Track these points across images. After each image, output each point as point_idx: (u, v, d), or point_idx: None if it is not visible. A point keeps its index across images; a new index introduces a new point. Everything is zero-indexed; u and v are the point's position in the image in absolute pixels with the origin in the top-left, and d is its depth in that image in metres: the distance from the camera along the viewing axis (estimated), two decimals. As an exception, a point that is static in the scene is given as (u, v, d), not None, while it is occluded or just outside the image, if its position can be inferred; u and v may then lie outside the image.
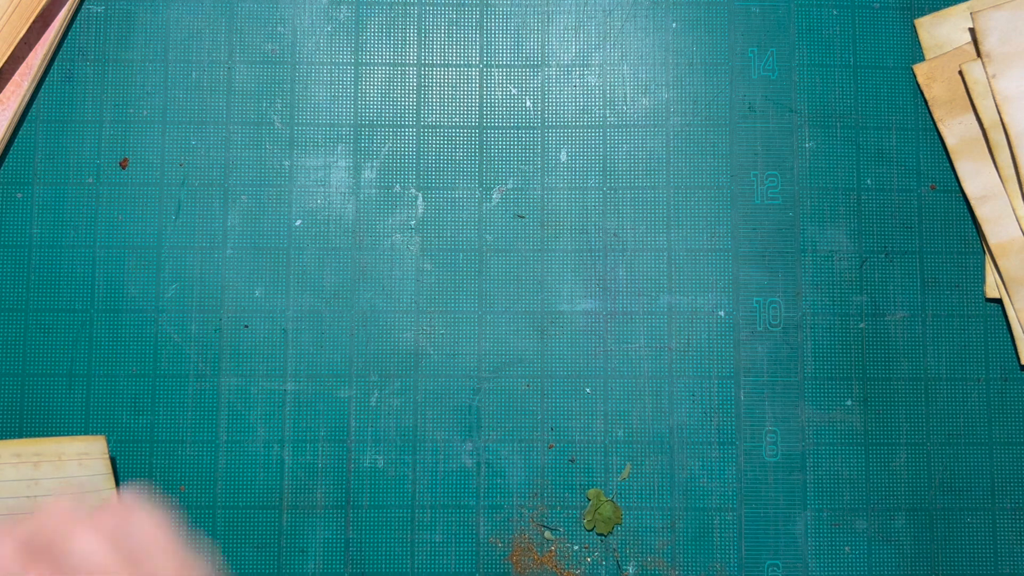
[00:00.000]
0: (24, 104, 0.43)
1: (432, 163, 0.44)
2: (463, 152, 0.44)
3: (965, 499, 0.42)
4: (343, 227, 0.43)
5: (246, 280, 0.43)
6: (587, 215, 0.43)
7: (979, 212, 0.43)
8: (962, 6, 0.44)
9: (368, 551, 0.42)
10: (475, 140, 0.44)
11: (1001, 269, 0.42)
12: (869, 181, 0.44)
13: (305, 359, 0.42)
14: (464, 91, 0.44)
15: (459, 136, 0.44)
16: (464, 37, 0.44)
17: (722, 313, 0.43)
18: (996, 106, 0.42)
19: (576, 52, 0.44)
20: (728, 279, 0.43)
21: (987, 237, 0.43)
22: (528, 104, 0.44)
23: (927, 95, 0.44)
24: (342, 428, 0.42)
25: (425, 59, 0.44)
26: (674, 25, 0.44)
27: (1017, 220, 0.42)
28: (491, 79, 0.44)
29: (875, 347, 0.43)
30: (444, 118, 0.44)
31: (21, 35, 0.42)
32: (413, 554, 0.42)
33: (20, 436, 0.42)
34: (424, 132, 0.44)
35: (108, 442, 0.41)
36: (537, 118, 0.44)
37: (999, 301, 0.43)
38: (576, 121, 0.44)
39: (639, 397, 0.42)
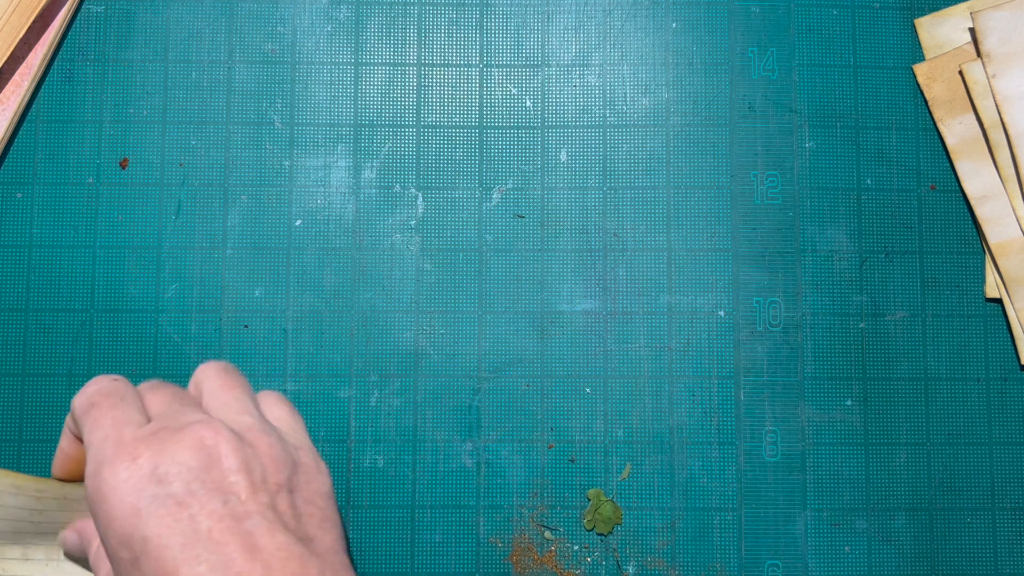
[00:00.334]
0: (24, 104, 0.43)
1: (432, 163, 0.44)
2: (463, 152, 0.44)
3: (965, 499, 0.42)
4: (343, 227, 0.43)
5: (246, 280, 0.43)
6: (587, 215, 0.43)
7: (979, 212, 0.43)
8: (962, 6, 0.44)
9: (368, 551, 0.41)
10: (475, 140, 0.44)
11: (1001, 269, 0.42)
12: (869, 181, 0.44)
13: (305, 359, 0.42)
14: (464, 91, 0.44)
15: (459, 136, 0.44)
16: (464, 37, 0.44)
17: (722, 313, 0.43)
18: (996, 106, 0.42)
19: (576, 52, 0.44)
20: (728, 279, 0.43)
21: (987, 237, 0.43)
22: (528, 104, 0.44)
23: (927, 95, 0.44)
24: (342, 428, 0.42)
25: (425, 59, 0.44)
26: (674, 25, 0.44)
27: (1017, 220, 0.42)
28: (491, 79, 0.44)
29: (875, 347, 0.43)
30: (444, 118, 0.44)
31: (21, 35, 0.42)
32: (413, 554, 0.42)
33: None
34: (424, 132, 0.44)
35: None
36: (537, 118, 0.44)
37: (999, 301, 0.43)
38: (576, 121, 0.44)
39: (639, 397, 0.42)
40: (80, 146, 0.43)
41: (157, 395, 0.28)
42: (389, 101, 0.44)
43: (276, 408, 0.30)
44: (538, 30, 0.44)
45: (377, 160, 0.44)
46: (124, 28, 0.44)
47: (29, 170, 0.43)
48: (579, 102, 0.44)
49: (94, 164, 0.43)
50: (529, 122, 0.44)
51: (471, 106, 0.44)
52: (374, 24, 0.44)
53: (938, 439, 0.43)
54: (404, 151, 0.44)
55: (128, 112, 0.43)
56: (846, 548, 0.42)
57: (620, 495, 0.42)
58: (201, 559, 0.23)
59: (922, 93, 0.44)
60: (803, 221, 0.43)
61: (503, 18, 0.44)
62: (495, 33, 0.44)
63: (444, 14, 0.44)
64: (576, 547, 0.42)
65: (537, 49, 0.44)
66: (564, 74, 0.44)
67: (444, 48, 0.44)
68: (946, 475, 0.42)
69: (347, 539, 0.30)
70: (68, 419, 0.29)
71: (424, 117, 0.44)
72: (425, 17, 0.44)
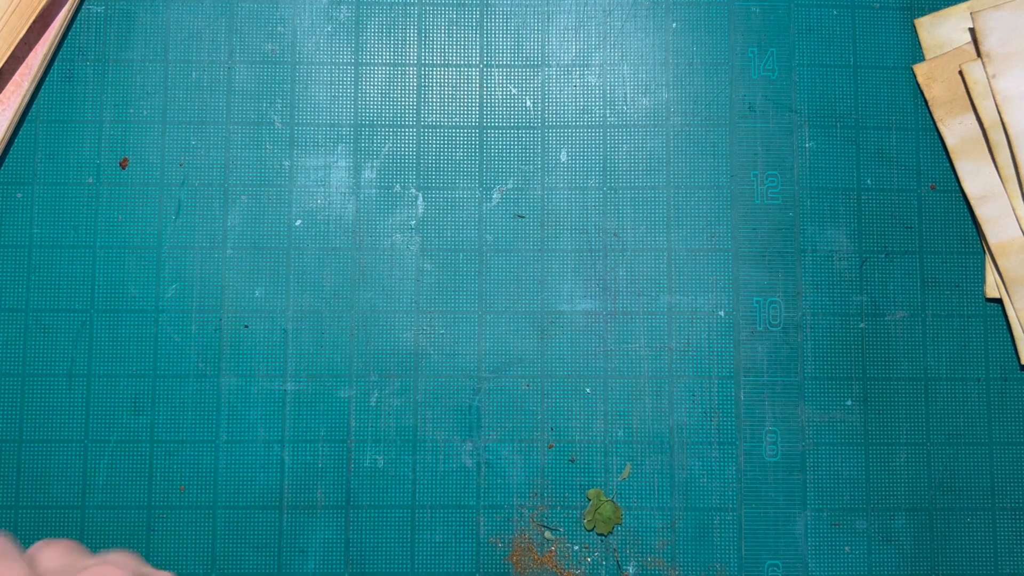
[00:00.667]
0: (24, 104, 0.43)
1: (432, 163, 0.44)
2: (463, 152, 0.44)
3: (965, 499, 0.42)
4: (343, 227, 0.43)
5: (246, 280, 0.43)
6: (587, 215, 0.43)
7: (979, 212, 0.43)
8: (962, 6, 0.44)
9: (368, 551, 0.42)
10: (475, 140, 0.44)
11: (1001, 269, 0.42)
12: (869, 181, 0.44)
13: (305, 359, 0.42)
14: (464, 91, 0.44)
15: (459, 136, 0.44)
16: (464, 37, 0.44)
17: (722, 313, 0.43)
18: (996, 106, 0.42)
19: (576, 52, 0.44)
20: (728, 279, 0.43)
21: (987, 237, 0.43)
22: (528, 104, 0.44)
23: (927, 95, 0.44)
24: (342, 428, 0.42)
25: (425, 59, 0.44)
26: (674, 25, 0.44)
27: (1017, 220, 0.42)
28: (491, 79, 0.44)
29: (875, 347, 0.43)
30: (444, 118, 0.44)
31: (21, 35, 0.42)
32: (413, 554, 0.42)
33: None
34: (424, 132, 0.44)
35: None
36: (537, 118, 0.44)
37: (999, 301, 0.43)
38: (576, 121, 0.44)
39: (639, 397, 0.42)
40: (80, 146, 0.43)
41: (49, 551, 0.29)
42: (389, 101, 0.44)
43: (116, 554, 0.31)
44: (538, 30, 0.44)
45: (377, 160, 0.44)
46: (124, 28, 0.44)
47: (29, 170, 0.43)
48: (579, 102, 0.44)
49: (94, 164, 0.43)
50: (529, 122, 0.44)
51: (471, 106, 0.44)
52: (374, 24, 0.44)
53: (938, 439, 0.43)
54: (404, 151, 0.44)
55: (128, 112, 0.43)
56: (846, 548, 0.42)
57: (620, 495, 0.42)
58: None
59: (922, 93, 0.44)
60: (803, 221, 0.43)
61: (503, 18, 0.44)
62: (495, 33, 0.44)
63: (444, 14, 0.44)
64: (576, 547, 0.42)
65: (537, 49, 0.44)
66: (564, 74, 0.44)
67: (444, 48, 0.44)
68: (946, 475, 0.42)
69: None
70: None
71: (424, 117, 0.44)
72: (425, 17, 0.44)
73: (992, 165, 0.43)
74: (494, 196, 0.44)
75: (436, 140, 0.44)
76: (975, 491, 0.42)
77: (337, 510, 0.42)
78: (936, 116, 0.44)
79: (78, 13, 0.44)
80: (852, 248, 0.43)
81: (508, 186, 0.44)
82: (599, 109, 0.44)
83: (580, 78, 0.44)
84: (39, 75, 0.43)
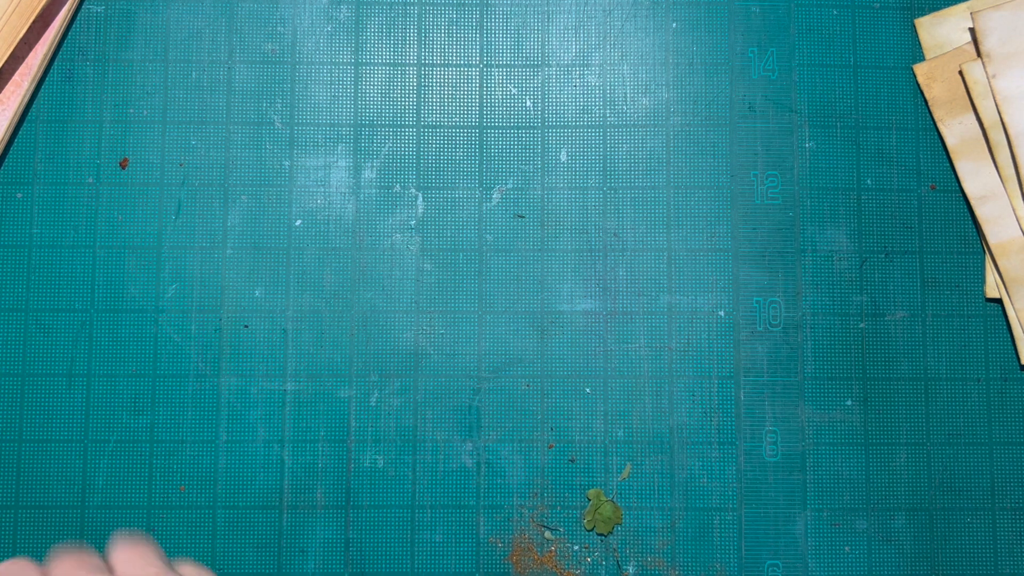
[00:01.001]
0: (24, 104, 0.43)
1: (432, 163, 0.44)
2: (463, 152, 0.44)
3: (965, 499, 0.42)
4: (343, 227, 0.43)
5: (246, 280, 0.43)
6: (587, 215, 0.43)
7: (979, 212, 0.43)
8: (962, 6, 0.44)
9: (368, 551, 0.42)
10: (475, 140, 0.44)
11: (1001, 269, 0.42)
12: (869, 181, 0.44)
13: (305, 359, 0.42)
14: (464, 91, 0.44)
15: (459, 136, 0.44)
16: (464, 37, 0.44)
17: (722, 313, 0.43)
18: (996, 106, 0.42)
19: (576, 52, 0.44)
20: (728, 279, 0.43)
21: (987, 237, 0.43)
22: (528, 104, 0.44)
23: (927, 95, 0.44)
24: (342, 428, 0.42)
25: (425, 59, 0.44)
26: (674, 25, 0.44)
27: (1017, 220, 0.42)
28: (491, 79, 0.44)
29: (875, 347, 0.43)
30: (444, 118, 0.44)
31: (21, 35, 0.42)
32: (413, 554, 0.42)
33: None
34: (424, 132, 0.44)
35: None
36: (537, 118, 0.44)
37: (999, 301, 0.43)
38: (576, 121, 0.44)
39: (639, 397, 0.42)
40: (80, 146, 0.43)
41: (60, 565, 0.29)
42: (389, 101, 0.44)
43: (189, 565, 0.30)
44: (538, 30, 0.44)
45: (377, 160, 0.44)
46: (124, 28, 0.44)
47: (29, 170, 0.43)
48: (579, 102, 0.44)
49: (94, 164, 0.43)
50: (529, 122, 0.44)
51: (471, 106, 0.44)
52: (374, 24, 0.44)
53: (938, 439, 0.43)
54: (404, 151, 0.44)
55: (128, 112, 0.43)
56: (846, 548, 0.42)
57: (620, 495, 0.42)
58: None
59: (922, 93, 0.44)
60: (803, 221, 0.43)
61: (503, 18, 0.44)
62: (495, 33, 0.44)
63: (444, 14, 0.44)
64: (576, 547, 0.42)
65: (537, 49, 0.44)
66: (564, 74, 0.44)
67: (444, 48, 0.44)
68: (946, 475, 0.42)
69: None
70: None
71: (424, 117, 0.44)
72: (425, 17, 0.44)
73: (992, 165, 0.43)
74: (494, 196, 0.44)
75: (436, 140, 0.44)
76: (975, 491, 0.42)
77: (337, 510, 0.42)
78: (936, 116, 0.44)
79: (78, 13, 0.44)
80: (852, 248, 0.43)
81: (508, 186, 0.44)
82: (599, 109, 0.44)
83: (580, 78, 0.44)
84: (39, 75, 0.43)
